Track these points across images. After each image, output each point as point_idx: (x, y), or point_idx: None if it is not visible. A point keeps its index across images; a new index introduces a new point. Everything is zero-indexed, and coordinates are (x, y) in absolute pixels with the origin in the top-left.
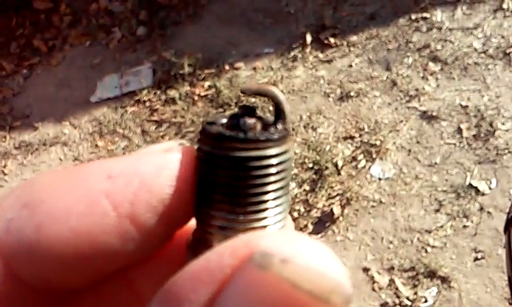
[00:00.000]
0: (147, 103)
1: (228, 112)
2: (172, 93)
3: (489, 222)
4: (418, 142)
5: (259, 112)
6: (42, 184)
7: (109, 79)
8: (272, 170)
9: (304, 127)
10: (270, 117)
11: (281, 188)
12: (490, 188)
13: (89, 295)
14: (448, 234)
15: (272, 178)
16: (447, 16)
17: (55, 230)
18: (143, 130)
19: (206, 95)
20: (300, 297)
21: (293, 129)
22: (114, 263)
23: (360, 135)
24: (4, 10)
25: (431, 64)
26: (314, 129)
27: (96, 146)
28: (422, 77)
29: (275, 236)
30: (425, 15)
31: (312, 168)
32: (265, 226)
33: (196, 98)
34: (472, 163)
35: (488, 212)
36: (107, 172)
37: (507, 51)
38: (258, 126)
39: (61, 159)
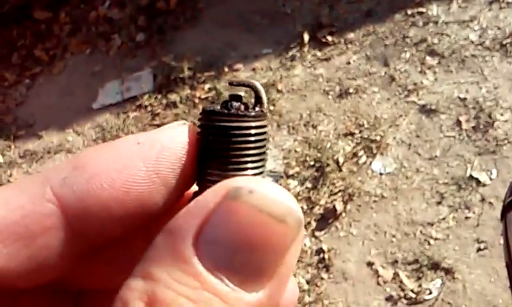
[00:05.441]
0: (148, 108)
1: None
2: (173, 96)
3: (491, 213)
4: (418, 136)
5: (244, 100)
6: (87, 153)
7: (111, 86)
8: (250, 138)
9: (305, 125)
10: (252, 103)
11: (259, 153)
12: (491, 179)
13: (116, 248)
14: (451, 226)
15: (250, 144)
16: (442, 10)
17: (101, 182)
18: None
19: (206, 97)
20: (263, 218)
21: (293, 127)
22: (144, 212)
23: (360, 131)
24: (5, 22)
25: (428, 58)
26: (314, 127)
27: None
28: (420, 71)
29: (245, 177)
30: (421, 9)
31: (313, 166)
32: None
33: (196, 100)
34: (472, 154)
35: (490, 203)
36: (136, 140)
37: (504, 42)
38: (242, 107)
39: None
